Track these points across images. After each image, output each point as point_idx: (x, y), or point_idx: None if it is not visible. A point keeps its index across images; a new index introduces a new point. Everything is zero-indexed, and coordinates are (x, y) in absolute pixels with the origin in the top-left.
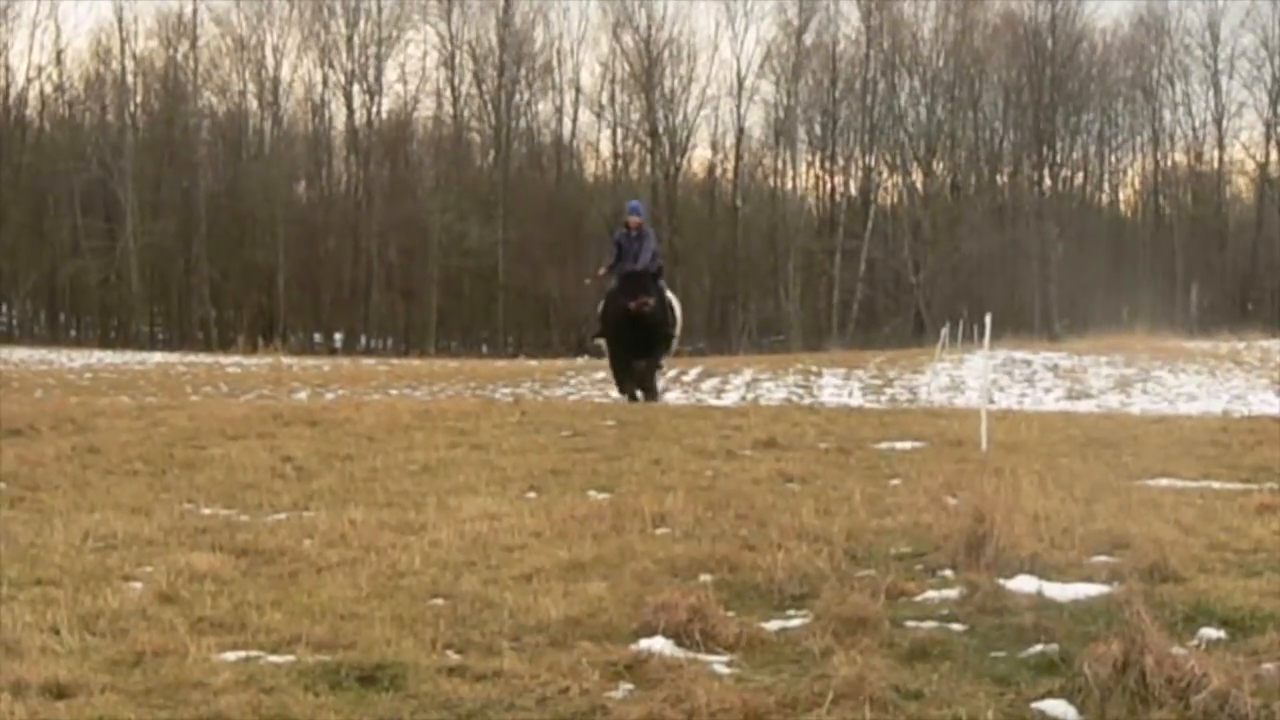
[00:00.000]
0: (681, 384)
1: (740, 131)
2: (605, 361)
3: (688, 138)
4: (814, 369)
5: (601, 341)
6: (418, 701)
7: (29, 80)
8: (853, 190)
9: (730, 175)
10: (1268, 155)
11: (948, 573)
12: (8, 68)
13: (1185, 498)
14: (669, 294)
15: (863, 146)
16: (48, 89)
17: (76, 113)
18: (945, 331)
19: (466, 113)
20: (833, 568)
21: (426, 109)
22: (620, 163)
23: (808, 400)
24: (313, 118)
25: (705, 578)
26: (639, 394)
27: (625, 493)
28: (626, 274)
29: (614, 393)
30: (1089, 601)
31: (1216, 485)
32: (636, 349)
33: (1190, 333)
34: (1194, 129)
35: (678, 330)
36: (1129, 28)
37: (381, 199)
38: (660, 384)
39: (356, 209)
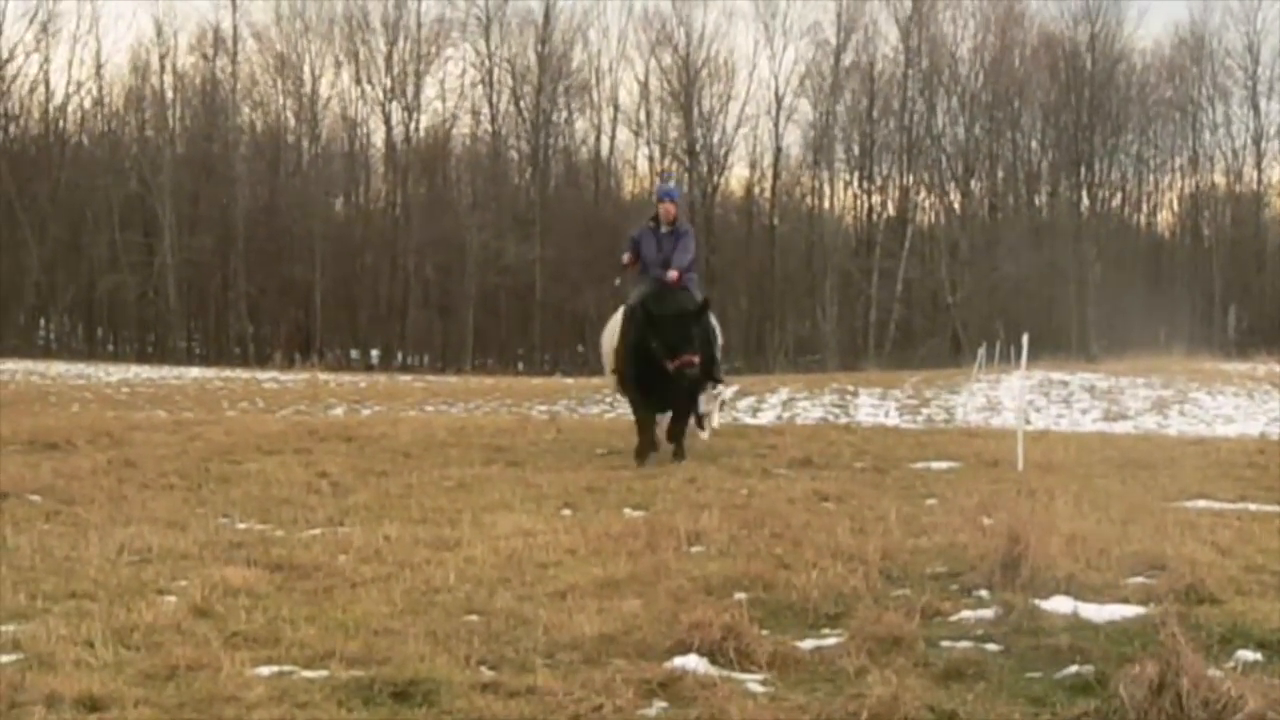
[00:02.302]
0: (717, 403)
1: (778, 150)
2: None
3: (725, 156)
4: (850, 388)
5: (611, 382)
6: (451, 718)
7: (69, 95)
8: (890, 210)
9: (768, 194)
10: None
11: (983, 593)
12: (48, 83)
13: (1222, 519)
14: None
15: (900, 166)
16: (87, 104)
17: (115, 128)
18: (982, 352)
19: (504, 130)
20: (868, 587)
21: (464, 126)
22: (658, 181)
23: (844, 420)
24: (351, 134)
25: (740, 596)
26: (685, 436)
27: (660, 510)
28: (656, 292)
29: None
30: (1125, 623)
31: (1253, 507)
32: (668, 399)
33: (1228, 355)
34: (1233, 150)
35: (719, 352)
36: (1169, 49)
37: (419, 216)
38: (713, 419)
39: (394, 226)
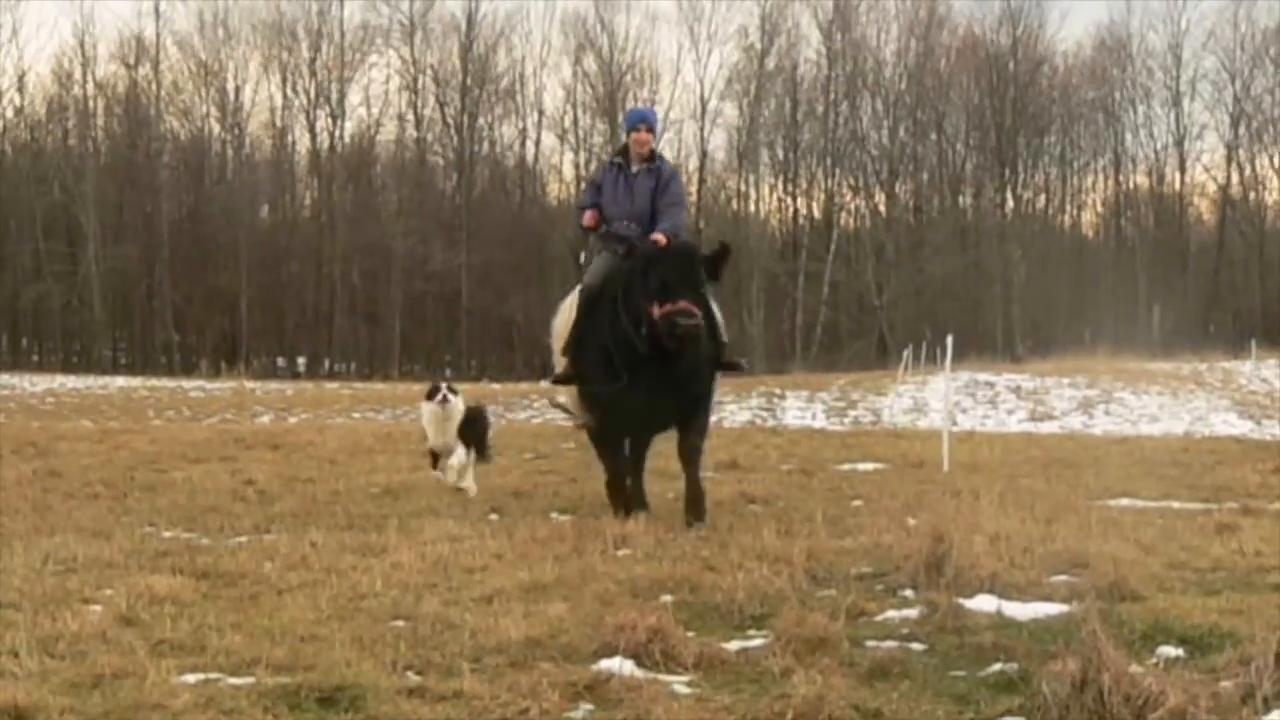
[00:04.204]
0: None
1: (703, 154)
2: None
3: None
4: (777, 391)
5: (564, 399)
6: None
7: None
8: (815, 213)
9: (693, 198)
10: (1229, 177)
11: (908, 592)
12: None
13: (1145, 517)
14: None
15: (825, 169)
16: (9, 113)
17: (38, 137)
18: (908, 353)
19: (429, 136)
20: (793, 588)
21: (389, 133)
22: (583, 185)
23: (771, 422)
24: (275, 142)
25: (666, 598)
26: (695, 507)
27: (587, 514)
28: (628, 252)
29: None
30: (1048, 620)
31: (1176, 505)
32: (665, 409)
33: (1152, 354)
34: (1156, 151)
35: (725, 338)
36: (1091, 50)
37: (344, 223)
38: (468, 476)
39: (319, 233)
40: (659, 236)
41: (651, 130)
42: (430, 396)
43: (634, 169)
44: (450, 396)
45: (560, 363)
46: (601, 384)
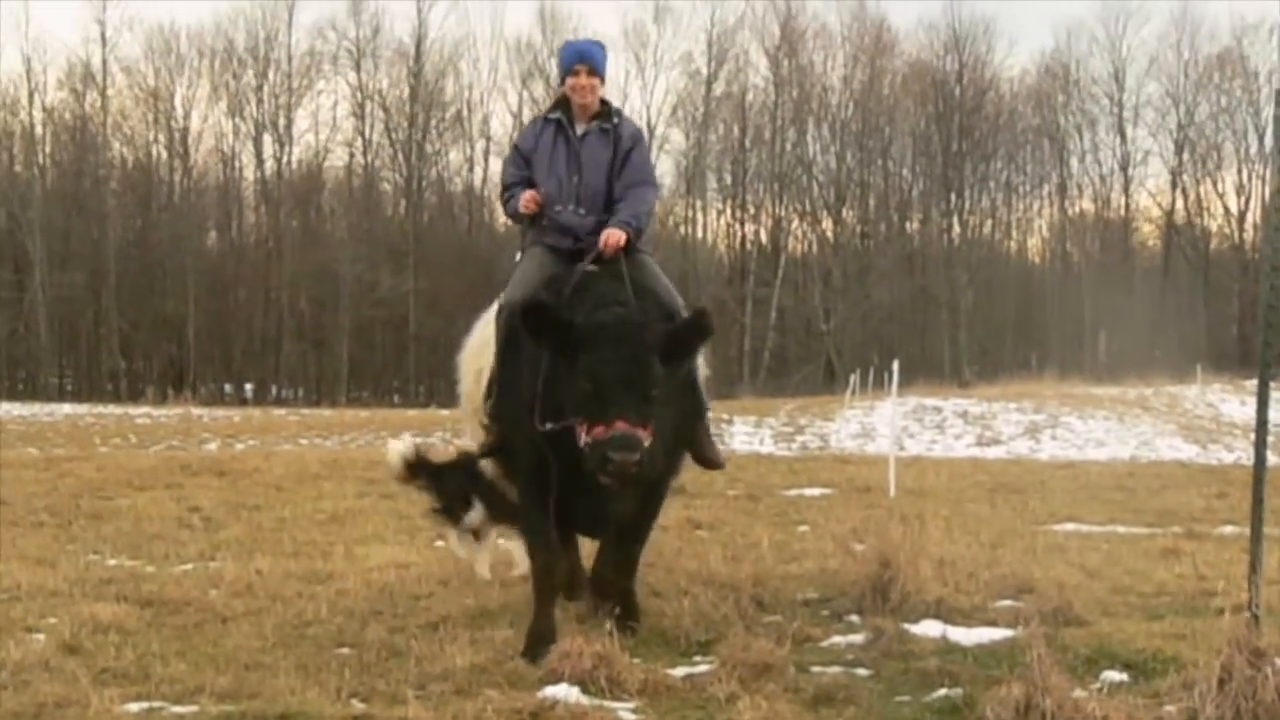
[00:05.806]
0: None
1: None
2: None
3: None
4: (725, 416)
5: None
6: None
7: None
8: (763, 238)
9: None
10: (1173, 203)
11: (854, 618)
12: None
13: (1090, 542)
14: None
15: (773, 195)
16: None
17: None
18: (855, 379)
19: (377, 162)
20: (739, 614)
21: (338, 159)
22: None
23: (718, 447)
24: (223, 168)
25: (611, 625)
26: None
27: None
28: (577, 281)
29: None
30: (993, 645)
31: (1122, 529)
32: (602, 515)
33: (1099, 379)
34: (1100, 177)
35: (708, 408)
36: (1036, 76)
37: (292, 249)
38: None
39: (267, 259)
40: (611, 234)
41: (596, 73)
42: None
43: (579, 129)
44: None
45: (474, 419)
46: (529, 468)
